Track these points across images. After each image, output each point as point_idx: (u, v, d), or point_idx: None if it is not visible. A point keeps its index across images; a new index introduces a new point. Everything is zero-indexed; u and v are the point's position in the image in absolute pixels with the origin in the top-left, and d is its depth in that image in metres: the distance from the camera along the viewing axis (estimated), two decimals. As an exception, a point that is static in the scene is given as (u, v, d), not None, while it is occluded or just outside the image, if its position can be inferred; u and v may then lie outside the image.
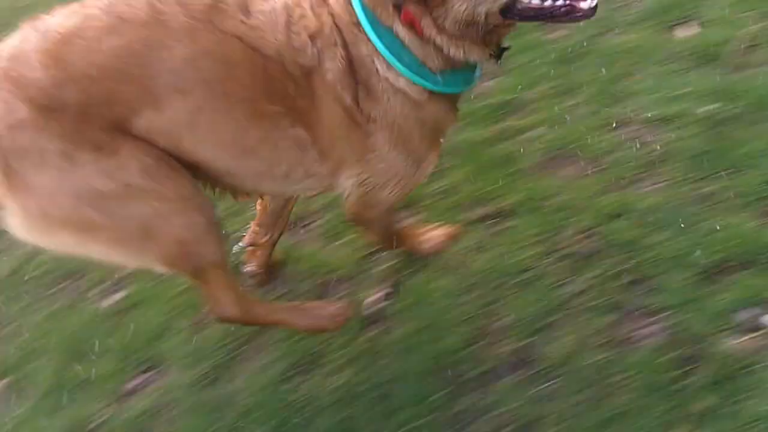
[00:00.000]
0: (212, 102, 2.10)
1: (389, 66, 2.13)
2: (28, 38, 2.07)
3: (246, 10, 2.11)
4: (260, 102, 2.13)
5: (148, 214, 2.15)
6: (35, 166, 2.04)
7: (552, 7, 2.02)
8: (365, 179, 2.36)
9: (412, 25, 2.09)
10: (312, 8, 2.15)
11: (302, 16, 2.13)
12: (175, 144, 2.14)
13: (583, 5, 2.01)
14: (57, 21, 2.09)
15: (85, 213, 2.11)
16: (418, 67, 2.14)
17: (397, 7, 2.05)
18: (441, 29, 2.07)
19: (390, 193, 2.42)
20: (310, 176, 2.34)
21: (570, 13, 2.02)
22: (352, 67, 2.13)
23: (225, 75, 2.08)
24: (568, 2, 2.01)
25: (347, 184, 2.39)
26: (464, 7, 1.99)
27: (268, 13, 2.11)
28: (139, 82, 2.05)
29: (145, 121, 2.08)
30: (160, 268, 2.32)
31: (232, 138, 2.18)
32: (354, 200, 2.45)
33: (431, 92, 2.22)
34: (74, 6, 2.13)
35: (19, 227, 2.17)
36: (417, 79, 2.16)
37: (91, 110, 2.04)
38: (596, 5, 2.03)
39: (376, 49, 2.11)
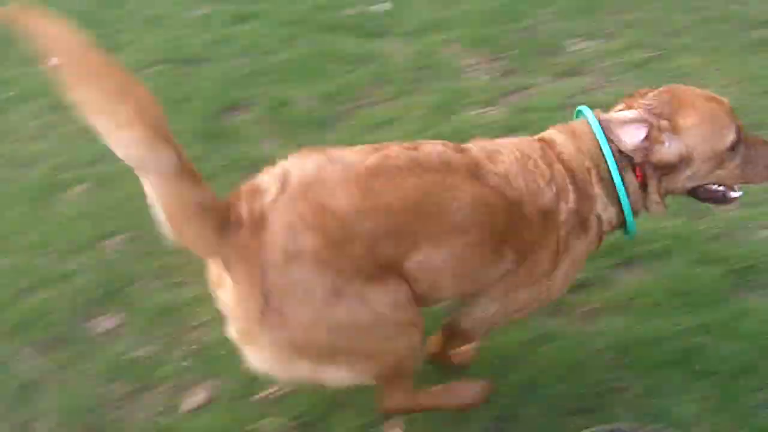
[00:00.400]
0: (480, 240, 2.29)
1: (607, 205, 2.46)
2: (324, 167, 2.13)
3: (493, 164, 2.35)
4: (501, 239, 2.34)
5: (384, 338, 2.27)
6: (299, 301, 2.09)
7: (716, 191, 2.54)
8: (519, 299, 2.58)
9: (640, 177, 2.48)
10: (542, 158, 2.42)
11: (536, 166, 2.38)
12: (434, 278, 2.30)
13: (733, 194, 2.55)
14: (355, 156, 2.19)
15: (335, 343, 2.18)
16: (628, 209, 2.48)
17: (637, 164, 2.45)
18: (659, 188, 2.48)
19: (518, 315, 2.68)
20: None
21: (723, 200, 2.57)
22: (578, 205, 2.42)
23: (490, 218, 2.28)
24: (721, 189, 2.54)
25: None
26: (682, 182, 2.48)
27: (509, 166, 2.34)
28: (431, 218, 2.18)
29: (421, 256, 2.20)
30: (363, 381, 2.45)
31: (471, 270, 2.38)
32: (482, 316, 2.62)
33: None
34: (369, 146, 2.26)
35: (259, 360, 2.23)
36: (630, 217, 2.50)
37: (378, 243, 2.12)
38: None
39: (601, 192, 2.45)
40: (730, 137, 2.43)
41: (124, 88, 1.88)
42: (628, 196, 2.48)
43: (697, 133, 2.40)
